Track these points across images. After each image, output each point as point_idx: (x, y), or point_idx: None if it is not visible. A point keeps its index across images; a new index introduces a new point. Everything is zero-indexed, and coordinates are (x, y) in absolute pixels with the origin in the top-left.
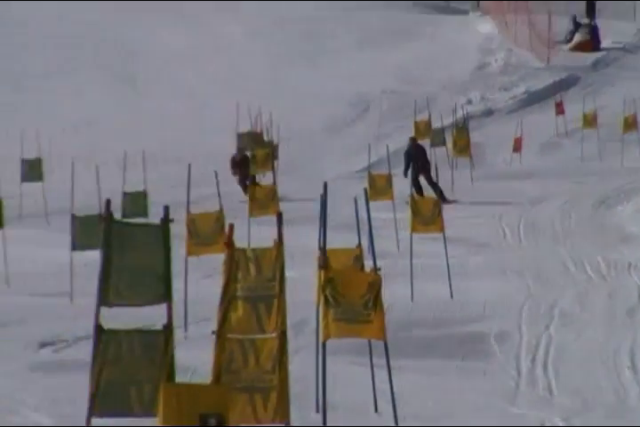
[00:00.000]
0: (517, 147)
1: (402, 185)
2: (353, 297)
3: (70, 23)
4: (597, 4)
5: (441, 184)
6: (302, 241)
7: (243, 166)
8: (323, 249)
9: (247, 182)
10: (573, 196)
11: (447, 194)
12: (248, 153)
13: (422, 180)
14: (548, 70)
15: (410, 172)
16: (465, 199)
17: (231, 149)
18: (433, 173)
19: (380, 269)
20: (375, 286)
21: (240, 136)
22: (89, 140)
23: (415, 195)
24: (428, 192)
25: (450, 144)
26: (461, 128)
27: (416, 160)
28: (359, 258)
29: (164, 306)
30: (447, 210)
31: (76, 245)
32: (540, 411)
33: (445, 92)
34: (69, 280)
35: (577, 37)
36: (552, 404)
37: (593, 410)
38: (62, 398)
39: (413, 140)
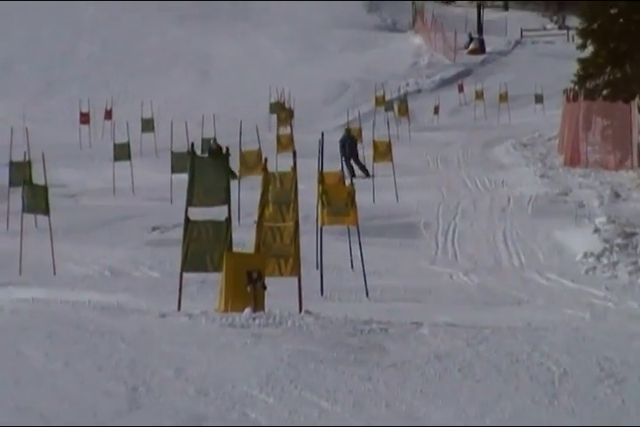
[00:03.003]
0: (436, 111)
1: (369, 134)
2: (338, 200)
3: (166, 37)
4: (484, 25)
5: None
6: (308, 167)
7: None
8: (320, 172)
9: None
10: (469, 141)
11: (393, 141)
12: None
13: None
14: (454, 66)
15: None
16: (405, 144)
17: (266, 112)
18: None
19: (354, 184)
20: (351, 194)
21: (271, 105)
22: (180, 108)
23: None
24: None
25: (396, 110)
26: (403, 100)
27: (349, 147)
28: (342, 178)
29: (225, 207)
30: (396, 148)
31: (174, 170)
32: (449, 269)
33: (393, 79)
34: (170, 191)
35: (471, 46)
36: (456, 264)
37: (480, 268)
38: (165, 261)
39: (347, 131)
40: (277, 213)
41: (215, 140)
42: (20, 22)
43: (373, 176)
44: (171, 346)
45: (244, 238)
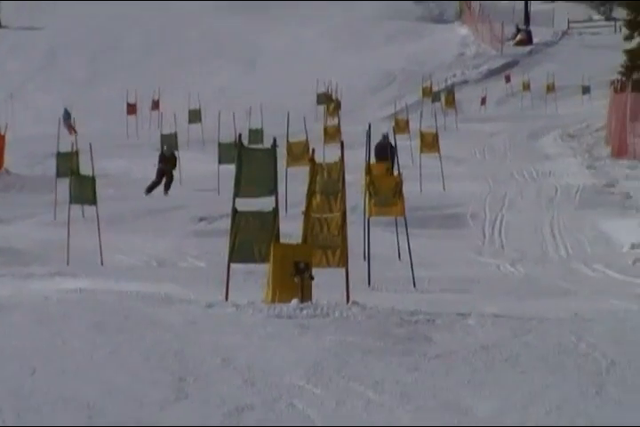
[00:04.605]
0: (483, 102)
1: (416, 125)
2: (385, 191)
3: (212, 27)
4: (531, 16)
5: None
6: (355, 158)
7: (168, 163)
8: (367, 163)
9: (162, 179)
10: (515, 131)
11: (440, 131)
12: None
13: None
14: (500, 56)
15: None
16: (452, 135)
17: (313, 102)
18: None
19: (401, 174)
20: (399, 184)
21: (318, 95)
22: (227, 98)
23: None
24: None
25: (443, 101)
26: (450, 91)
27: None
28: (389, 168)
29: (272, 197)
30: (442, 139)
31: (221, 160)
32: (496, 259)
33: (439, 69)
34: (217, 181)
35: (518, 37)
36: (503, 255)
37: (527, 259)
38: (212, 252)
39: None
40: (325, 203)
41: (170, 147)
42: (65, 13)
43: (420, 166)
44: (217, 336)
45: (291, 229)
